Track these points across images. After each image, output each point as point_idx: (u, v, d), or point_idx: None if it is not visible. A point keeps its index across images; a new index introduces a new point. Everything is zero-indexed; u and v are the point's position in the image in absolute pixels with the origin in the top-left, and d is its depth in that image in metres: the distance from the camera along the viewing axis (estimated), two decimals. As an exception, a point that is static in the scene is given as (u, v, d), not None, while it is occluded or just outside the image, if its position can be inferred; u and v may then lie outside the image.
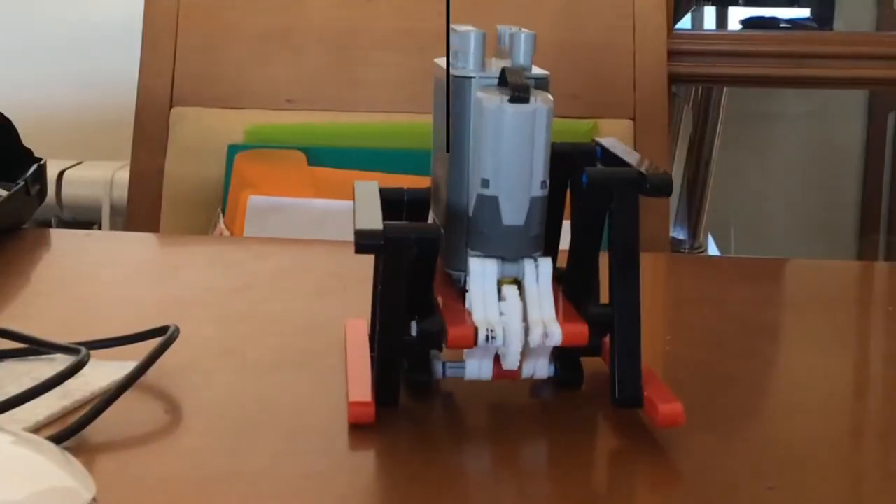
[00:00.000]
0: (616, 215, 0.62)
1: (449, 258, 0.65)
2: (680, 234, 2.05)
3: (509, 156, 0.61)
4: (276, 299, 0.86)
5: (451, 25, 0.66)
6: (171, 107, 1.43)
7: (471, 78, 0.63)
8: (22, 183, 1.01)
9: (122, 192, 1.71)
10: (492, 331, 0.60)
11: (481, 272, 0.62)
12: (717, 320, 0.82)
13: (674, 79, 1.44)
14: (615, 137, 0.69)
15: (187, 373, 0.69)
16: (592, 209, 0.64)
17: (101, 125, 2.05)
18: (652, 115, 1.38)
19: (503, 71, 0.62)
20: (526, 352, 0.62)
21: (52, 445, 0.50)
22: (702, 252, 2.06)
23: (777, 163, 2.47)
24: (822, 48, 1.53)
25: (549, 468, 0.59)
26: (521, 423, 0.64)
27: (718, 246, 2.23)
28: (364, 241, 0.60)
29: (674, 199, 1.89)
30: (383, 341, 0.63)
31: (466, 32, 0.64)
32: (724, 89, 2.06)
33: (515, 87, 0.61)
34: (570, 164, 0.66)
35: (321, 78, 1.42)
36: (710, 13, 2.26)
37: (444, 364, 0.65)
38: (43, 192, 1.05)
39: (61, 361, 0.67)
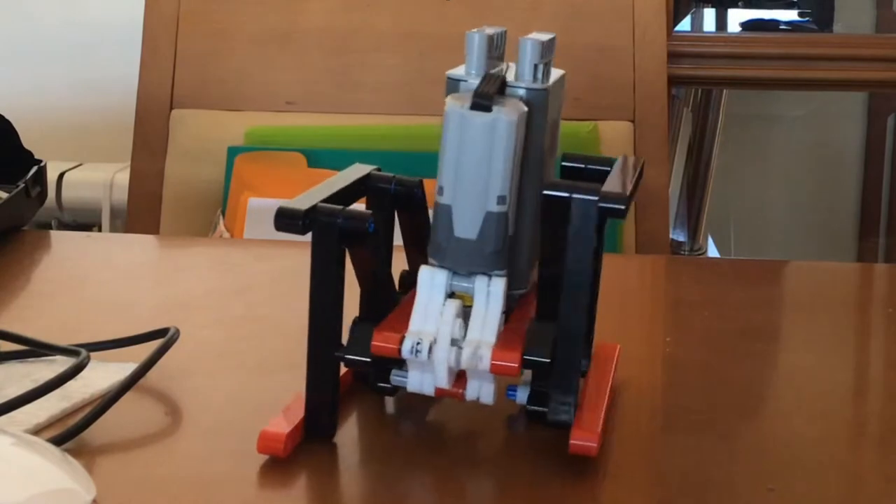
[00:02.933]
0: (573, 232, 0.57)
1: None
2: (680, 235, 2.05)
3: (464, 165, 0.57)
4: (277, 301, 0.86)
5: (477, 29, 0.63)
6: (171, 109, 1.43)
7: (460, 80, 0.60)
8: (22, 185, 1.01)
9: (122, 194, 1.71)
10: (419, 343, 0.57)
11: (429, 282, 0.59)
12: (716, 322, 0.82)
13: (673, 81, 1.44)
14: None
15: (187, 375, 0.69)
16: (554, 228, 0.59)
17: (102, 127, 2.05)
18: (652, 117, 1.38)
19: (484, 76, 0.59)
20: (464, 372, 0.59)
21: (52, 447, 0.50)
22: (702, 254, 2.06)
23: (777, 165, 2.47)
24: (821, 50, 1.53)
25: (546, 468, 0.59)
26: (504, 429, 0.64)
27: (718, 248, 2.23)
28: (282, 221, 0.57)
29: (673, 201, 1.89)
30: (313, 352, 0.60)
31: (472, 34, 0.61)
32: (724, 91, 2.07)
33: (477, 94, 0.57)
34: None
35: (321, 80, 1.42)
36: (709, 15, 2.25)
37: (393, 371, 0.62)
38: (43, 194, 1.05)
39: (61, 363, 0.67)
